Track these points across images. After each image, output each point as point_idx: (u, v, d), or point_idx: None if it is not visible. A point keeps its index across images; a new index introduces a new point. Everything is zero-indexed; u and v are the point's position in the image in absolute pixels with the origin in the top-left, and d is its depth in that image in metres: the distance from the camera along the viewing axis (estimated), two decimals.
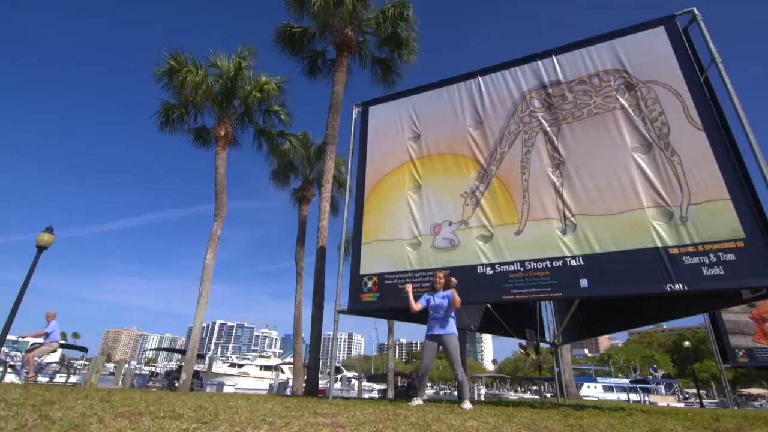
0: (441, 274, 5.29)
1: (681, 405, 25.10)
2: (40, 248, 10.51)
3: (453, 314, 5.01)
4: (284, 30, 12.35)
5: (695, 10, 5.90)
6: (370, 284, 6.89)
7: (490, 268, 6.06)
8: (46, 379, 10.17)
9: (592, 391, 32.88)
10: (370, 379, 33.17)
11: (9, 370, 9.52)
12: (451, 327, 4.93)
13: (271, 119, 14.41)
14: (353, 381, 29.27)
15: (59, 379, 10.78)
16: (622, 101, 6.05)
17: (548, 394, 27.50)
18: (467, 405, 4.42)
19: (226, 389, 18.76)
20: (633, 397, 30.31)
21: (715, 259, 4.79)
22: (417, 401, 4.71)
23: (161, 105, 13.19)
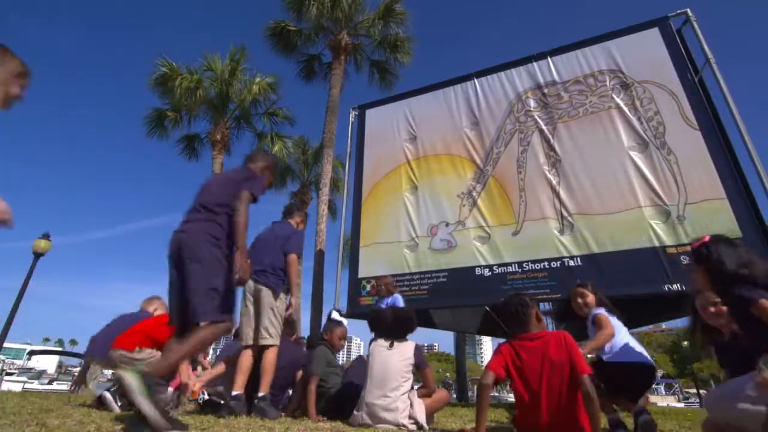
0: (387, 281, 5.17)
1: (681, 405, 25.08)
2: (37, 255, 10.44)
3: None
4: (278, 28, 12.19)
5: (689, 11, 5.94)
6: (368, 287, 6.88)
7: (488, 270, 6.06)
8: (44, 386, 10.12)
9: None
10: None
11: (5, 377, 9.47)
12: None
13: (269, 121, 14.35)
14: None
15: (57, 386, 10.72)
16: (618, 100, 6.08)
17: None
18: None
19: None
20: None
21: None
22: None
23: (152, 111, 13.07)
